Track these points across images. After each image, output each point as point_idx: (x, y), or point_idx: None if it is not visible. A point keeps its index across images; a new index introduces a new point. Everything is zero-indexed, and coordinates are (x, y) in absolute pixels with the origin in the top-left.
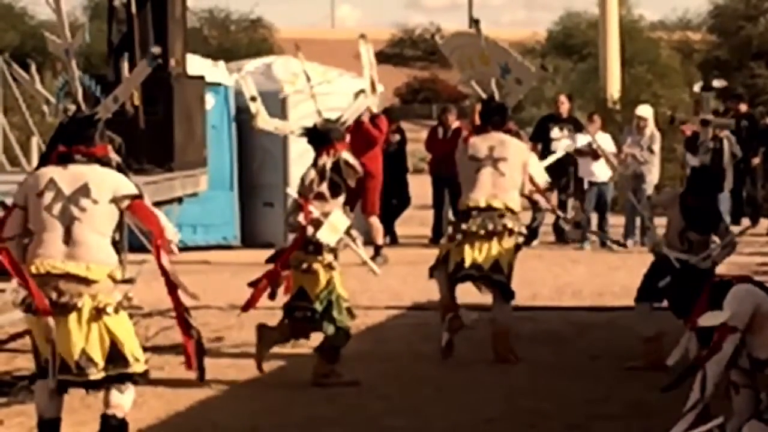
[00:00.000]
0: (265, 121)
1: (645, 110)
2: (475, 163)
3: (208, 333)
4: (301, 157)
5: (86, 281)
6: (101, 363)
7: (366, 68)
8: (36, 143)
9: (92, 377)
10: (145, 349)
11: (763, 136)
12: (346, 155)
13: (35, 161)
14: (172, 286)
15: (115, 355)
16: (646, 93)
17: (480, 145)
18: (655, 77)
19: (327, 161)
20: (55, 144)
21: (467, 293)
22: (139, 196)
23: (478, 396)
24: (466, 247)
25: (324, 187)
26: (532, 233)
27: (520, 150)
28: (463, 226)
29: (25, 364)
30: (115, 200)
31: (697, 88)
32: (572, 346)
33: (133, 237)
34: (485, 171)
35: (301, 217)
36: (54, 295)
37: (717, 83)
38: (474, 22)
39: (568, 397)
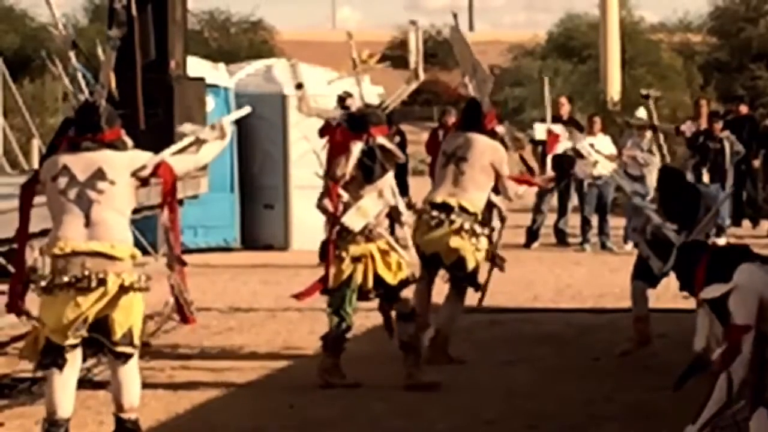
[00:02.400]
0: (308, 108)
1: (645, 112)
2: (444, 159)
3: (209, 335)
4: (301, 159)
5: (111, 259)
6: (118, 336)
7: (412, 54)
8: (36, 145)
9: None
10: (146, 352)
11: (763, 138)
12: (382, 140)
13: (36, 163)
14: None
15: (104, 327)
16: None
17: (452, 141)
18: (655, 79)
19: (358, 145)
20: (55, 146)
21: (467, 297)
22: (161, 161)
23: (478, 397)
24: (419, 235)
25: (357, 172)
26: (532, 235)
27: (488, 151)
28: (416, 216)
29: (25, 366)
30: (135, 173)
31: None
32: (573, 347)
33: (135, 239)
34: (449, 168)
35: (327, 201)
36: (78, 273)
37: (652, 92)
38: (453, 16)
39: (568, 398)
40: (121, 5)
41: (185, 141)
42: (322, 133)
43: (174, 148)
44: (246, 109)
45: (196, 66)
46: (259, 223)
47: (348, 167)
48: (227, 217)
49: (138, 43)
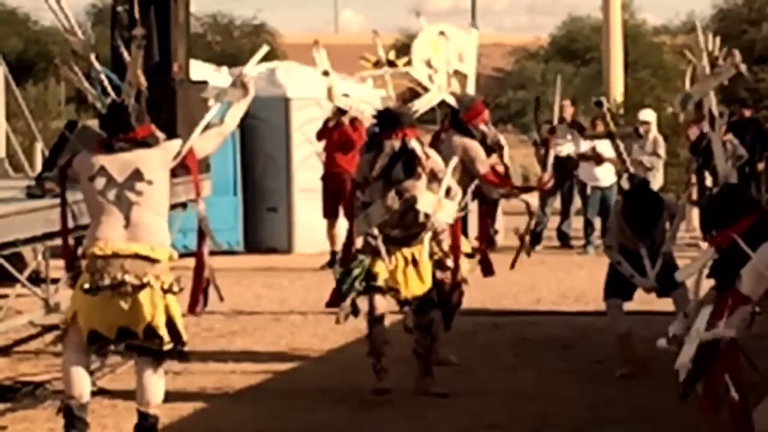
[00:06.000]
0: (337, 98)
1: (648, 114)
2: None
3: (212, 338)
4: (304, 162)
5: (151, 261)
6: (166, 337)
7: (442, 65)
8: (39, 149)
9: (161, 347)
10: None
11: (767, 140)
12: (415, 144)
13: (39, 167)
14: (202, 235)
15: (172, 330)
16: (649, 97)
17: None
18: (658, 81)
19: (394, 143)
20: (58, 149)
21: (470, 299)
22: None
23: (481, 401)
24: None
25: (399, 169)
26: (535, 238)
27: (458, 149)
28: None
29: (29, 369)
30: (173, 160)
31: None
32: (576, 350)
33: None
34: None
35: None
36: (119, 276)
37: (603, 98)
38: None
39: (571, 401)
40: (124, 9)
41: (212, 112)
42: (319, 136)
43: (203, 123)
44: (264, 48)
45: (199, 69)
46: (262, 226)
47: (377, 168)
48: (230, 221)
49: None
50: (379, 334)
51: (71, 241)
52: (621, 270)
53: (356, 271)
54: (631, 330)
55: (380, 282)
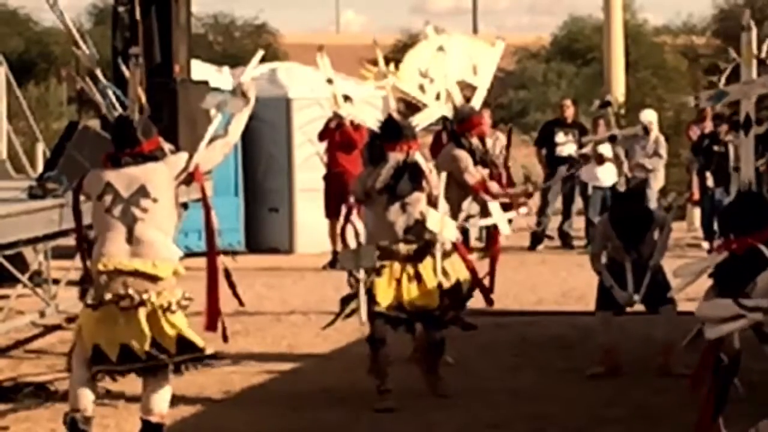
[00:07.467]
0: (341, 106)
1: (649, 115)
2: None
3: (214, 338)
4: (305, 162)
5: (152, 278)
6: (173, 350)
7: (439, 76)
8: (41, 150)
9: (166, 362)
10: None
11: None
12: (419, 158)
13: (40, 168)
14: (211, 235)
15: (184, 343)
16: (650, 97)
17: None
18: (660, 81)
19: (395, 157)
20: (59, 150)
21: (471, 299)
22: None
23: (482, 401)
24: None
25: (405, 183)
26: (537, 238)
27: (446, 162)
28: None
29: (30, 369)
30: (178, 177)
31: (595, 106)
32: (577, 350)
33: None
34: None
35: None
36: (121, 291)
37: (609, 98)
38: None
39: (573, 401)
40: (125, 9)
41: (215, 123)
42: (321, 136)
43: (207, 136)
44: (259, 53)
45: (200, 69)
46: (263, 226)
47: (380, 181)
48: (232, 221)
49: (142, 47)
50: (383, 357)
51: (70, 241)
52: (603, 280)
53: (361, 293)
54: (621, 336)
55: (382, 307)
